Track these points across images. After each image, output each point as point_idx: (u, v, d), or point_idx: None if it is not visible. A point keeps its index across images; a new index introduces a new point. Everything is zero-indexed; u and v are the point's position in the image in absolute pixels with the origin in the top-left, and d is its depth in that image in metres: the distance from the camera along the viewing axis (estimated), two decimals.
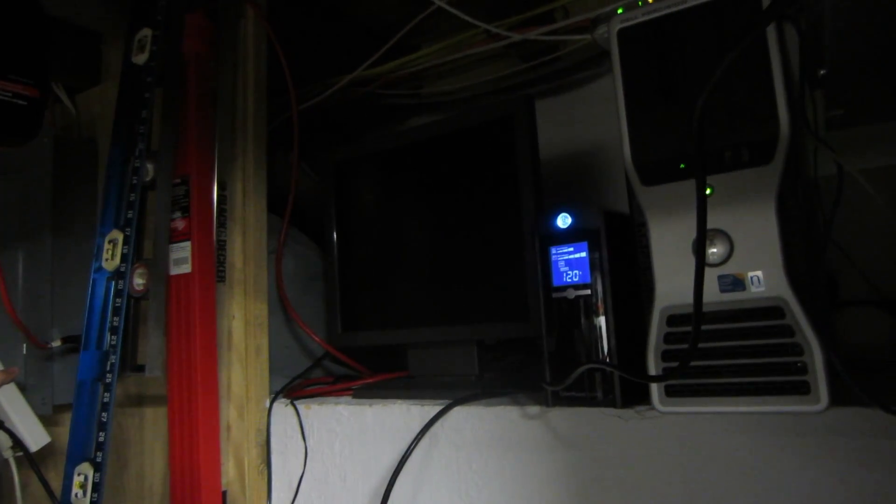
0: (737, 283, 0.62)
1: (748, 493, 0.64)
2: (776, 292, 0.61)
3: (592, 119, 1.27)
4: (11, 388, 0.98)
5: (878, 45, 0.56)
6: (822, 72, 0.65)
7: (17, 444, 0.97)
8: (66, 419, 1.10)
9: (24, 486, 1.01)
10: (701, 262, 0.51)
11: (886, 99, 0.70)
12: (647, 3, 0.69)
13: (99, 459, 0.82)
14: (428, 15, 1.19)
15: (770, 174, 0.61)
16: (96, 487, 0.82)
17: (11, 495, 1.01)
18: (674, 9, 0.67)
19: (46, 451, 1.06)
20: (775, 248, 0.61)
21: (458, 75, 1.36)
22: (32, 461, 0.95)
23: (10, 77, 0.80)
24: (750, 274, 0.62)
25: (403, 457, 0.84)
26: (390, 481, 0.83)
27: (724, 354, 0.62)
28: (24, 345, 1.13)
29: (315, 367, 1.18)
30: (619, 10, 0.71)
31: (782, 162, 0.60)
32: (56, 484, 0.92)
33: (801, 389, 0.60)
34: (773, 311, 0.61)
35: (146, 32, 0.95)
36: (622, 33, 0.70)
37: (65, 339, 1.11)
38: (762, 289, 0.61)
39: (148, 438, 1.08)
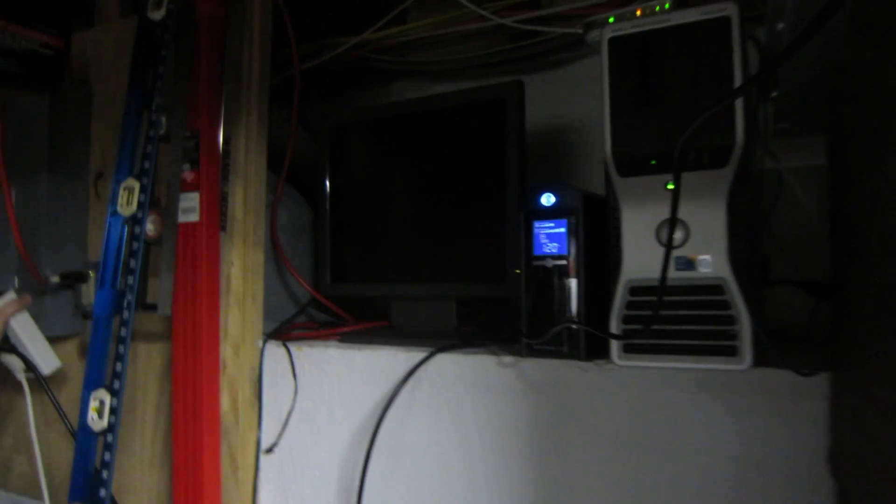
0: (689, 263, 0.75)
1: (684, 434, 0.79)
2: (719, 273, 0.74)
3: (571, 97, 1.37)
4: (24, 316, 1.05)
5: (815, 76, 0.68)
6: (774, 93, 0.78)
7: (30, 367, 1.04)
8: (58, 350, 1.17)
9: (34, 408, 1.09)
10: (668, 248, 0.64)
11: (818, 117, 0.84)
12: (636, 16, 0.80)
13: (116, 387, 0.91)
14: None
15: (724, 176, 0.74)
16: (113, 411, 0.91)
17: (24, 416, 1.08)
18: (657, 25, 0.78)
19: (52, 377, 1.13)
20: (722, 237, 0.74)
21: (445, 48, 1.44)
22: (45, 384, 1.03)
23: (38, 27, 0.85)
24: (700, 257, 0.75)
25: (392, 395, 0.96)
26: (380, 416, 0.95)
27: (674, 321, 0.76)
28: (16, 277, 1.19)
29: (300, 313, 1.27)
30: (611, 20, 0.82)
31: (735, 166, 0.73)
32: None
33: (732, 352, 0.74)
34: (715, 288, 0.74)
35: None
36: (612, 41, 0.80)
37: (63, 276, 1.17)
38: (708, 270, 0.75)
39: (140, 371, 1.17)
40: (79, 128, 1.27)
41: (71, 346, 1.25)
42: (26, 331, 1.06)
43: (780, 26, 0.62)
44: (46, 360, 1.07)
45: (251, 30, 1.11)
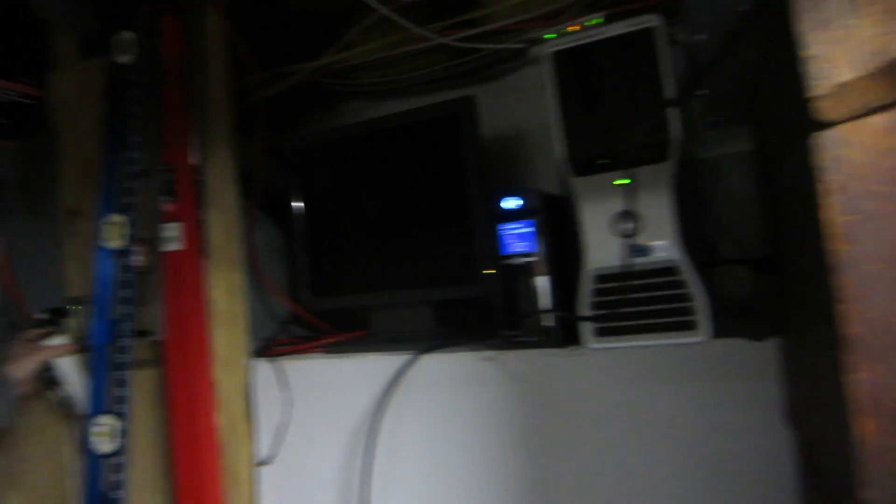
0: (645, 250, 0.84)
1: (653, 406, 0.87)
2: (672, 256, 0.83)
3: (515, 105, 1.45)
4: (70, 359, 1.10)
5: (735, 76, 0.78)
6: (704, 91, 0.87)
7: (68, 405, 1.10)
8: None
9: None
10: (628, 242, 0.72)
11: (742, 109, 0.94)
12: (574, 31, 0.88)
13: (120, 411, 0.95)
14: (359, 7, 1.32)
15: (667, 168, 0.83)
16: (121, 434, 0.94)
17: (62, 443, 1.16)
18: (593, 38, 0.86)
19: None
20: (672, 224, 0.83)
21: (391, 67, 1.51)
22: (74, 419, 1.10)
23: (16, 78, 0.88)
24: (654, 243, 0.84)
25: (384, 398, 1.01)
26: (377, 419, 1.00)
27: (637, 303, 0.84)
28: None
29: (282, 329, 1.32)
30: (552, 36, 0.90)
31: (676, 159, 0.82)
32: None
33: (691, 326, 0.83)
34: (670, 270, 0.83)
35: (127, 35, 1.04)
36: (555, 56, 0.88)
37: (47, 311, 1.19)
38: (663, 254, 0.83)
39: (134, 396, 1.19)
40: (48, 168, 1.29)
41: None
42: (70, 371, 1.10)
43: (700, 37, 0.71)
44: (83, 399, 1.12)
45: (212, 65, 1.16)
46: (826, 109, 0.31)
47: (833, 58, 0.31)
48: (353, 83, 1.52)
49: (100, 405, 0.97)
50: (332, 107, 1.66)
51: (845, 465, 0.37)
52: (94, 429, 0.96)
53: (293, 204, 1.27)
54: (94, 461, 0.95)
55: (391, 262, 1.18)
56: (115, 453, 0.94)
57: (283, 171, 1.30)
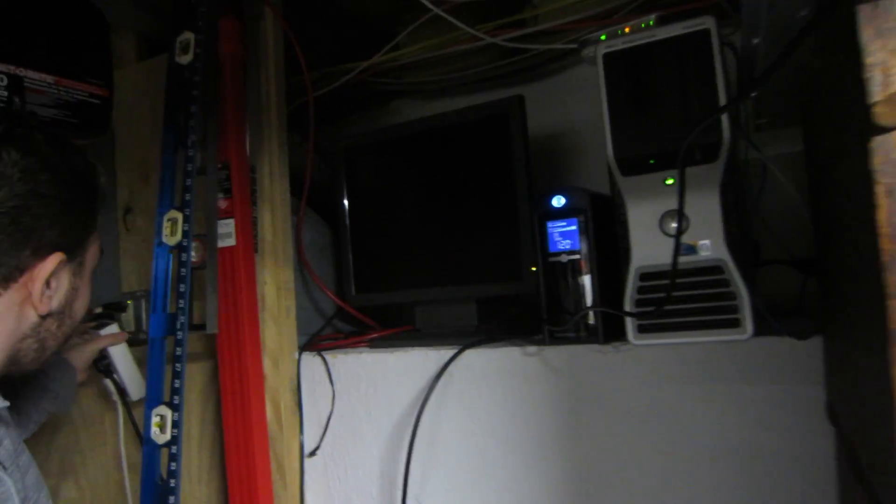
0: (690, 248, 0.85)
1: (695, 403, 0.88)
2: (718, 255, 0.84)
3: (561, 105, 1.46)
4: (122, 347, 1.16)
5: (787, 78, 0.78)
6: (753, 94, 0.88)
7: (121, 392, 1.16)
8: None
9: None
10: (677, 240, 0.73)
11: (793, 111, 0.94)
12: (626, 33, 0.89)
13: (176, 402, 0.99)
14: (410, 7, 1.34)
15: (716, 169, 0.83)
16: (175, 424, 0.99)
17: (115, 431, 1.23)
18: (646, 40, 0.87)
19: None
20: (718, 223, 0.84)
21: (438, 67, 1.53)
22: (128, 408, 1.17)
23: (86, 79, 0.93)
24: (700, 242, 0.85)
25: (428, 391, 1.04)
26: (419, 413, 1.03)
27: (682, 300, 0.85)
28: None
29: (328, 324, 1.36)
30: (603, 37, 0.91)
31: (724, 160, 0.83)
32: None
33: (734, 324, 0.83)
34: (715, 269, 0.84)
35: (188, 36, 1.08)
36: (606, 57, 0.90)
37: (105, 306, 1.25)
38: (708, 253, 0.84)
39: (185, 390, 1.24)
40: (104, 167, 1.35)
41: None
42: (123, 360, 1.16)
43: (756, 41, 0.71)
44: (136, 387, 1.17)
45: (267, 65, 1.20)
46: (883, 115, 0.32)
47: (893, 66, 0.32)
48: (401, 82, 1.55)
49: (157, 396, 1.02)
50: (379, 105, 1.69)
51: (888, 459, 0.38)
52: (153, 419, 1.00)
53: (340, 201, 1.30)
54: (151, 451, 1.00)
55: (436, 259, 1.21)
56: (170, 443, 0.98)
57: (331, 169, 1.34)
